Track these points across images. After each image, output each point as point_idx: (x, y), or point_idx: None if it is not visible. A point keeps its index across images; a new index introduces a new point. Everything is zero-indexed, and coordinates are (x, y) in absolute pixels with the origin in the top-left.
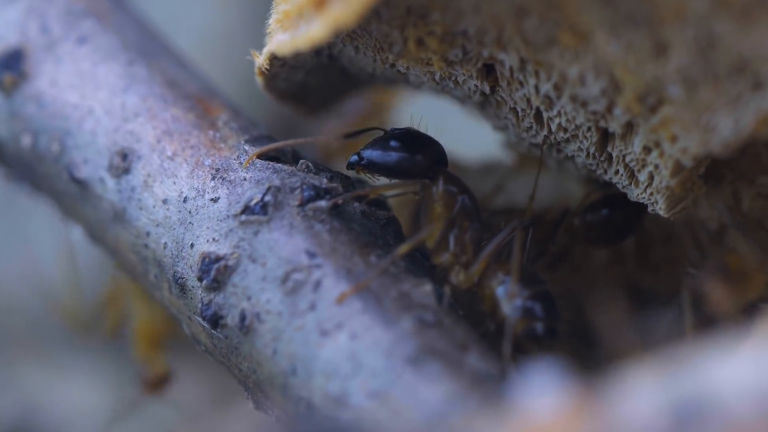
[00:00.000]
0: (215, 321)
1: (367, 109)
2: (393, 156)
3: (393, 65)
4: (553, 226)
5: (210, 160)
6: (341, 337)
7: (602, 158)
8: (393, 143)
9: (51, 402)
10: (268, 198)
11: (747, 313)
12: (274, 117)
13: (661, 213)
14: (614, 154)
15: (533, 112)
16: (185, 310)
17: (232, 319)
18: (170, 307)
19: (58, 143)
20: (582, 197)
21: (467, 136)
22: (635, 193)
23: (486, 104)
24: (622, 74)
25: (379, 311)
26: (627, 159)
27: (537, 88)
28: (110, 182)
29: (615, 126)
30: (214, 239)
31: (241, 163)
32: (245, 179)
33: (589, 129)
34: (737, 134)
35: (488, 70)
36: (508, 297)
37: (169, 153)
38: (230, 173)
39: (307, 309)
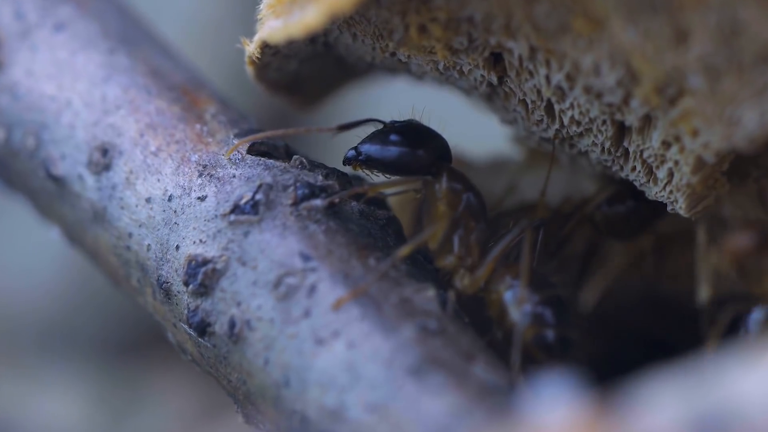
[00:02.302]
0: (202, 328)
1: None
2: (393, 151)
3: (393, 54)
4: (566, 221)
5: (197, 156)
6: (338, 345)
7: (618, 154)
8: (393, 137)
9: (27, 414)
10: (259, 196)
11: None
12: (266, 109)
13: (682, 212)
14: (631, 150)
15: (544, 104)
16: (170, 316)
17: (220, 327)
18: (154, 314)
19: (34, 137)
20: (593, 193)
21: (473, 129)
22: (654, 191)
23: (493, 96)
24: (640, 63)
25: (379, 318)
26: (645, 155)
27: (548, 79)
28: (89, 179)
29: (632, 119)
30: (201, 241)
31: (230, 159)
32: (234, 176)
33: (604, 122)
34: (763, 128)
35: (496, 59)
36: (517, 302)
37: (152, 148)
38: (218, 170)
39: (301, 316)
